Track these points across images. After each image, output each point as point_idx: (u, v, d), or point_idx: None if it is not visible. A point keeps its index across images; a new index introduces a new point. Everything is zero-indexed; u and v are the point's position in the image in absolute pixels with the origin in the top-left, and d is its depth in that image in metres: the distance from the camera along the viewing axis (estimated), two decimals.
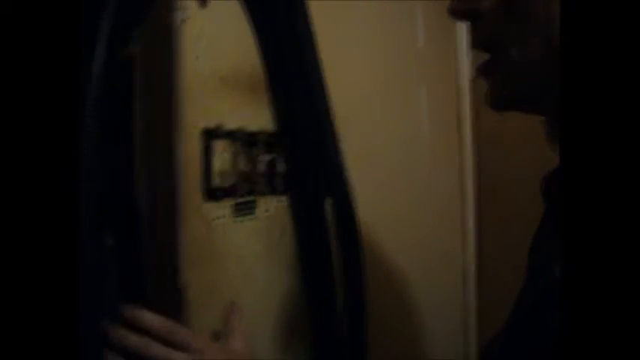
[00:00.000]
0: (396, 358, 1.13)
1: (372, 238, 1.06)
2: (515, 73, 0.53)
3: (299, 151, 0.90)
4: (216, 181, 0.88)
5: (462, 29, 1.43)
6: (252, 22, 0.93)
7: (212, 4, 0.89)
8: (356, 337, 0.97)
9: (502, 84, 0.55)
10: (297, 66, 0.92)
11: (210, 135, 0.87)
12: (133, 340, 0.71)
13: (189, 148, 0.86)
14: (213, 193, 0.88)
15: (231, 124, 0.91)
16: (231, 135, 0.90)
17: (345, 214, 0.95)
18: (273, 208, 0.96)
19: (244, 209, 0.92)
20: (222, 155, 0.89)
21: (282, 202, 0.96)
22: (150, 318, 0.73)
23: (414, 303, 1.18)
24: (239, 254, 0.92)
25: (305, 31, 0.93)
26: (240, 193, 0.91)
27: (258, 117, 0.92)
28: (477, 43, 0.56)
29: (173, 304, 0.86)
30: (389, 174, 1.11)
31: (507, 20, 0.52)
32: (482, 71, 0.56)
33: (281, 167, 0.94)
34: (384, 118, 1.12)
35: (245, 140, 0.92)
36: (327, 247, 0.95)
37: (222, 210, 0.89)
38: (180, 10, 0.85)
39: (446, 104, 1.33)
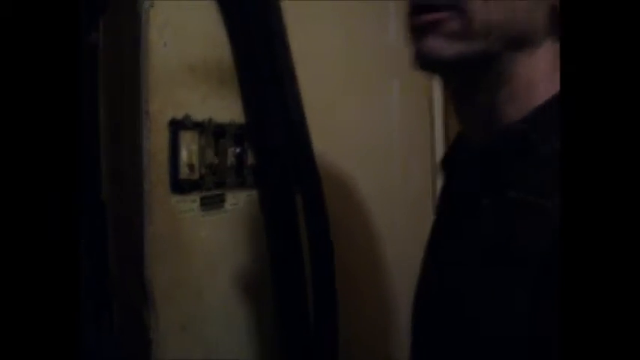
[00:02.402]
0: (369, 351, 1.12)
1: (344, 231, 1.05)
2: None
3: (269, 144, 0.89)
4: (184, 173, 0.86)
5: None
6: (224, 13, 0.91)
7: None
8: (326, 330, 0.96)
9: None
10: (268, 58, 0.91)
11: (178, 126, 0.85)
12: None
13: (156, 139, 0.84)
14: (180, 186, 0.86)
15: (199, 115, 0.88)
16: (200, 126, 0.88)
17: (315, 208, 0.94)
18: (242, 201, 0.94)
19: (212, 202, 0.90)
20: (190, 147, 0.87)
21: (252, 195, 0.94)
22: None
23: (386, 297, 1.18)
24: (206, 248, 0.90)
25: (276, 22, 0.91)
26: (208, 186, 0.89)
27: (227, 108, 0.90)
28: None
29: (139, 298, 0.84)
30: (360, 167, 1.10)
31: None
32: None
33: (250, 160, 0.92)
34: (356, 111, 1.11)
35: (214, 132, 0.90)
36: (297, 241, 0.93)
37: (189, 203, 0.87)
38: None
39: (419, 97, 1.33)
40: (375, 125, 1.15)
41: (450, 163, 0.61)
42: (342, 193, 1.07)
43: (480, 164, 0.56)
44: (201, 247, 0.90)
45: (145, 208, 0.83)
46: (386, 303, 1.15)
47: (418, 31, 0.54)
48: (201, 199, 0.88)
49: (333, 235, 0.96)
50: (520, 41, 0.52)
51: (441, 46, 0.52)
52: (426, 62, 0.54)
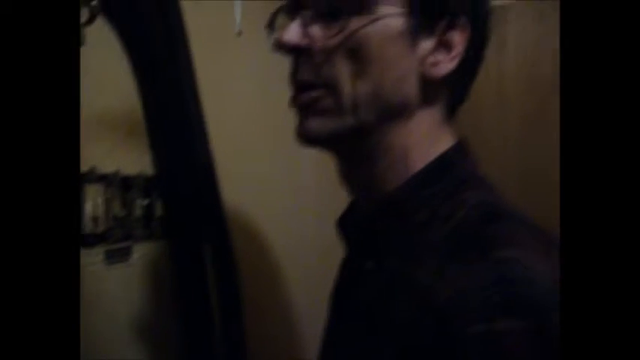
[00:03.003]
0: None
1: (253, 281, 1.05)
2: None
3: (177, 196, 0.89)
4: (88, 227, 0.85)
5: None
6: (132, 63, 0.91)
7: (90, 44, 0.87)
8: None
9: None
10: (177, 108, 0.91)
11: (83, 179, 0.84)
12: None
13: None
14: (84, 240, 0.84)
15: (106, 167, 0.88)
16: (105, 179, 0.87)
17: (224, 259, 0.94)
18: (149, 253, 0.93)
19: (118, 255, 0.89)
20: (96, 200, 0.86)
21: (160, 247, 0.93)
22: None
23: (297, 345, 1.18)
24: (112, 301, 0.89)
25: (186, 73, 0.92)
26: (114, 238, 0.88)
27: (135, 160, 0.90)
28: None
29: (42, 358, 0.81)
30: (272, 217, 1.11)
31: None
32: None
33: (159, 211, 0.92)
34: (268, 161, 1.12)
35: (120, 184, 0.89)
36: (206, 292, 0.93)
37: (93, 257, 0.86)
38: None
39: None
40: (287, 175, 1.17)
41: (344, 225, 0.63)
42: (252, 244, 1.07)
43: (362, 230, 0.59)
44: (106, 301, 0.88)
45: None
46: (297, 351, 1.15)
47: (298, 109, 0.56)
48: (106, 252, 0.87)
49: (243, 285, 0.96)
50: (392, 112, 0.54)
51: (317, 126, 0.55)
52: (305, 140, 0.57)
